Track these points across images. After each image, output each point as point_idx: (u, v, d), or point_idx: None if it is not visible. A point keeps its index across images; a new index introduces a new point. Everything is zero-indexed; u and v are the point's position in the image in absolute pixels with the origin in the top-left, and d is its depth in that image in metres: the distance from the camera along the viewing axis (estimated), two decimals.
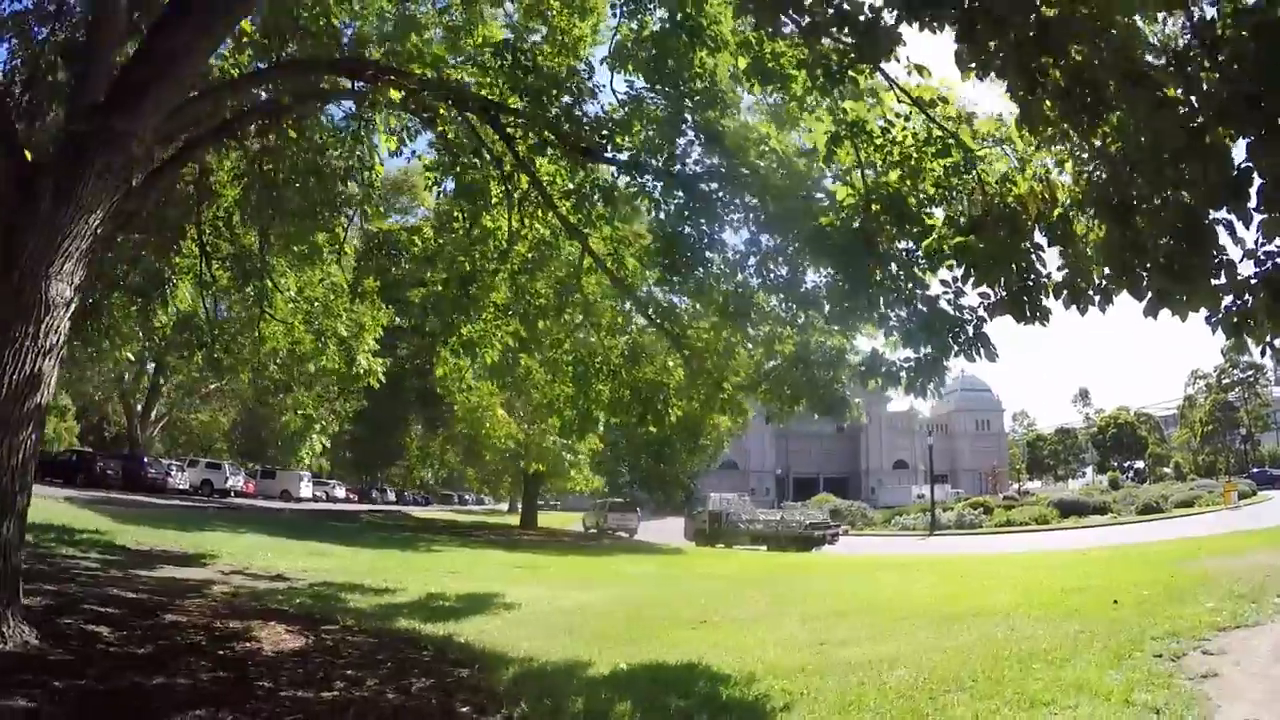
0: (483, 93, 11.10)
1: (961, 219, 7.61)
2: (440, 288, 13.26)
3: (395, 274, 19.20)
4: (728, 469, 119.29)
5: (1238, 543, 20.29)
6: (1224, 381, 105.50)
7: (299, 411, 26.93)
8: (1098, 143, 5.69)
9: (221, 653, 7.83)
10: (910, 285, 8.33)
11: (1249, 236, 5.35)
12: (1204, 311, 5.61)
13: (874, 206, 8.18)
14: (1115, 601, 11.83)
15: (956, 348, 8.04)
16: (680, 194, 10.06)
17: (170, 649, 7.73)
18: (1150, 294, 5.53)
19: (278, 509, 44.96)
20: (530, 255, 13.01)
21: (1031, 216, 6.85)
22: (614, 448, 39.50)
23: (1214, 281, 5.38)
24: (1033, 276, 7.08)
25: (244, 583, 13.53)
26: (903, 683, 7.84)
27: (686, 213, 10.11)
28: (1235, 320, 5.52)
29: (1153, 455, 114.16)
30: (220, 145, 13.05)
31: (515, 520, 50.75)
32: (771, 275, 9.70)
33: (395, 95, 11.08)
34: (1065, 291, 6.65)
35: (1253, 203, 5.04)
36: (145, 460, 45.98)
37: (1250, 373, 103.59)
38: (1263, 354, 5.67)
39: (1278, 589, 11.64)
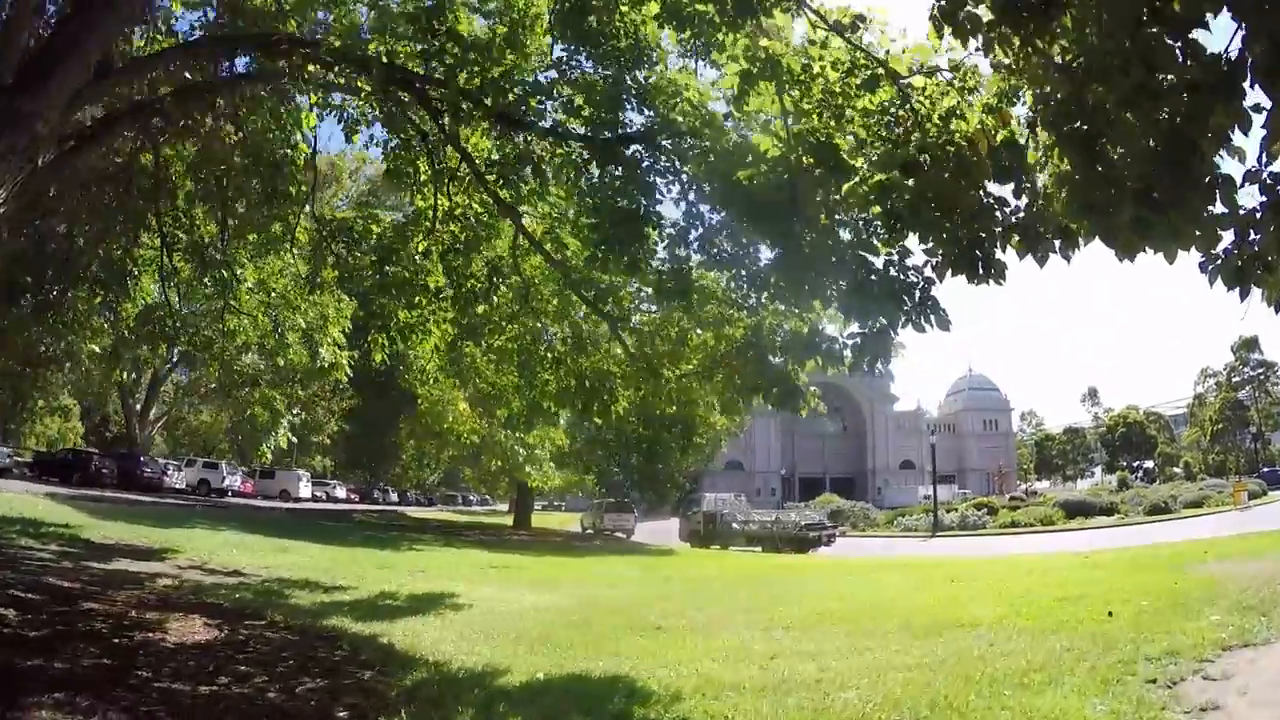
0: (406, 64, 10.13)
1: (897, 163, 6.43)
2: (368, 271, 12.46)
3: (354, 264, 18.34)
4: (733, 469, 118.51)
5: (1247, 545, 19.04)
6: (1234, 380, 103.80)
7: (266, 405, 26.32)
8: (1052, 53, 4.55)
9: (118, 641, 7.79)
10: (849, 247, 7.21)
11: (1250, 149, 4.21)
12: (1197, 256, 4.46)
13: (801, 157, 7.10)
14: (1110, 613, 10.70)
15: (903, 316, 6.93)
16: (608, 161, 9.00)
17: (66, 635, 7.72)
18: (1124, 231, 4.36)
19: (270, 508, 44.46)
20: (463, 235, 12.22)
21: (981, 156, 5.68)
22: (605, 446, 38.49)
23: (1208, 210, 4.21)
24: (985, 226, 5.90)
25: (194, 577, 13.24)
26: (848, 708, 6.84)
27: (616, 182, 9.06)
28: (1239, 264, 4.36)
29: (1162, 455, 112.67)
30: (149, 128, 12.22)
31: (512, 521, 49.94)
32: (715, 250, 8.59)
33: (311, 70, 10.41)
34: (1019, 238, 5.49)
35: (1249, 100, 3.90)
36: (141, 459, 45.82)
37: (1261, 370, 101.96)
38: (1277, 310, 4.50)
39: None
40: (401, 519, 49.12)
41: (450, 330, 13.69)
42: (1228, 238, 4.43)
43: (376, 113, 11.32)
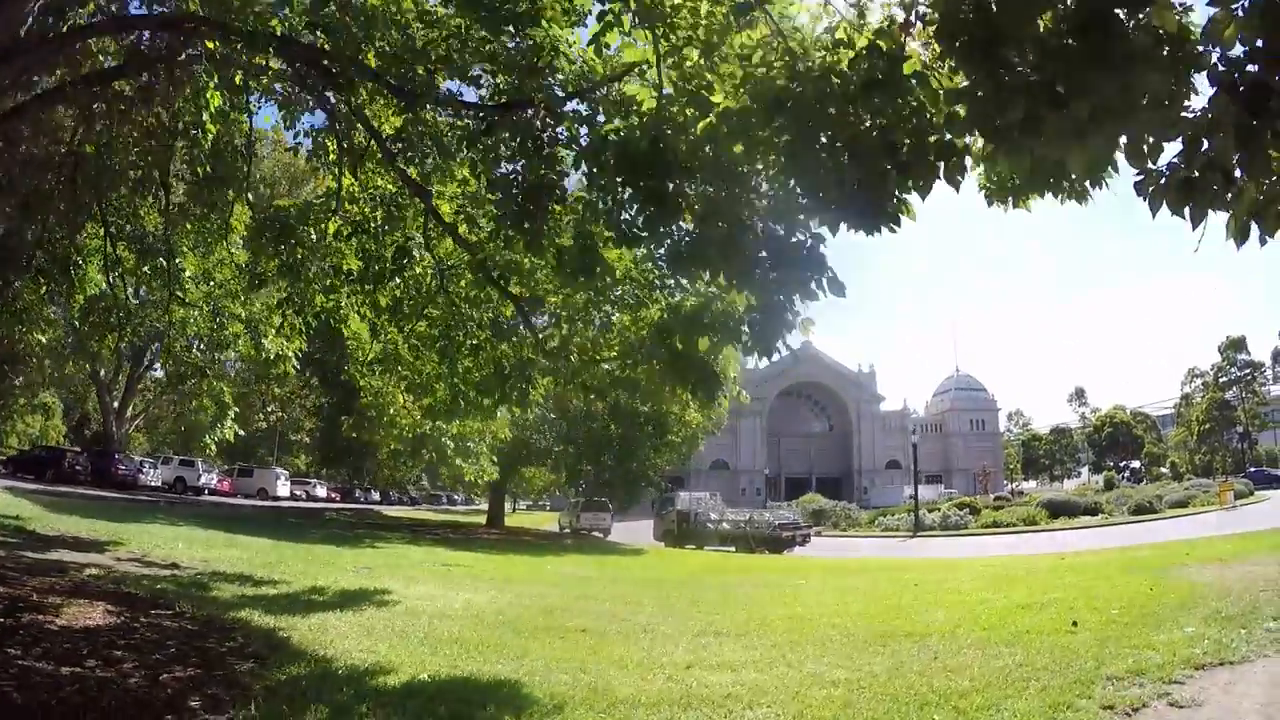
0: (307, 39, 9.39)
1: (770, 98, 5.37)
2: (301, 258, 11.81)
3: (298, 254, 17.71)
4: (718, 468, 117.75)
5: (1230, 548, 18.06)
6: (1221, 380, 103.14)
7: (214, 398, 25.53)
8: None
9: (3, 621, 7.69)
10: (727, 204, 6.15)
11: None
12: (1132, 172, 3.37)
13: (674, 107, 6.10)
14: (1075, 623, 9.68)
15: (793, 286, 5.91)
16: (503, 130, 8.01)
17: None
18: (1013, 133, 3.28)
19: (241, 505, 43.63)
20: (374, 215, 11.57)
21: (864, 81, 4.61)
22: (575, 444, 37.44)
23: (1145, 101, 3.11)
24: (876, 164, 4.83)
25: (126, 568, 12.92)
26: None
27: (513, 152, 8.08)
28: (1187, 178, 3.25)
29: (1149, 455, 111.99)
30: (90, 114, 11.96)
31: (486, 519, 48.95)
32: (625, 224, 7.53)
33: (211, 47, 9.71)
34: (910, 169, 4.43)
35: None
36: (116, 456, 44.98)
37: (1248, 371, 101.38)
38: (1242, 240, 3.38)
39: (1273, 610, 9.41)
40: (375, 517, 48.35)
41: (369, 314, 12.95)
42: (1167, 154, 3.35)
43: (287, 93, 10.81)
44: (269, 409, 64.03)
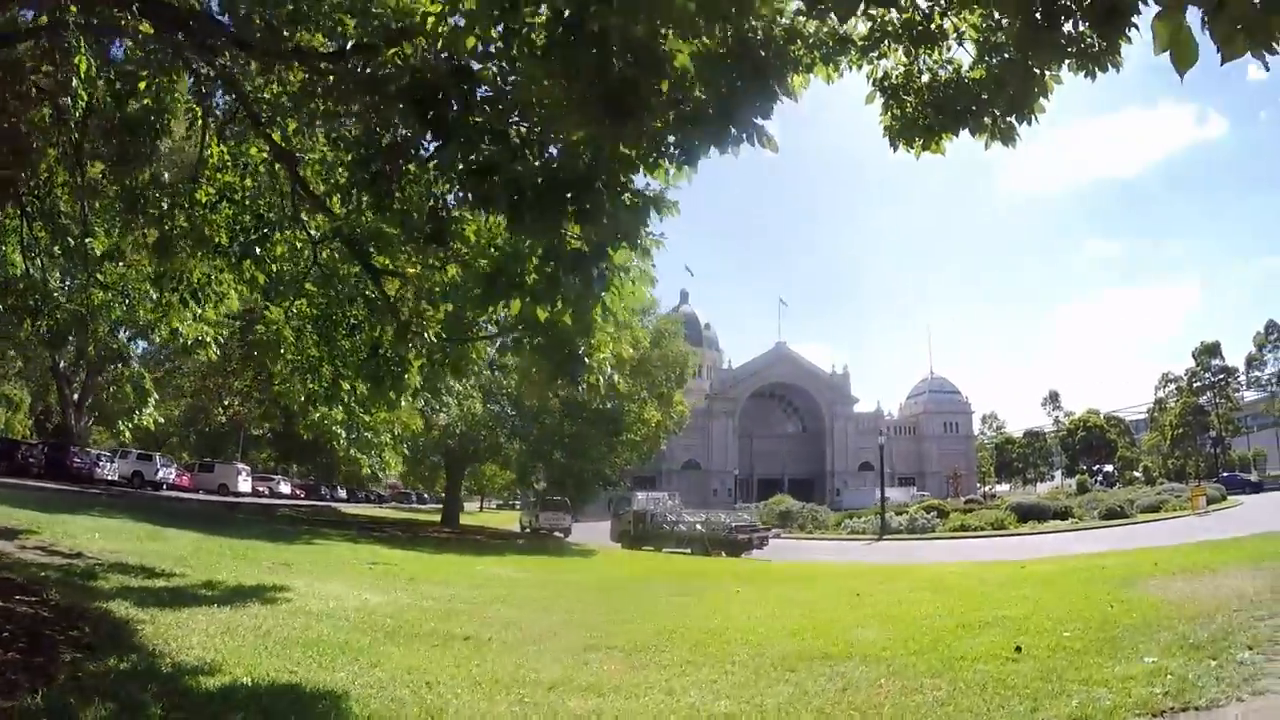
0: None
1: None
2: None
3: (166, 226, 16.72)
4: (690, 468, 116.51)
5: (1201, 558, 16.79)
6: (1195, 385, 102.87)
7: (135, 384, 24.48)
8: None
9: None
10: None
11: None
12: None
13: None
14: (1018, 649, 8.27)
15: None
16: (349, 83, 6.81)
17: None
18: None
19: (196, 501, 42.19)
20: (243, 184, 10.76)
21: None
22: (528, 441, 35.92)
23: None
24: None
25: (24, 556, 12.39)
26: None
27: (368, 112, 6.89)
28: None
29: (1122, 458, 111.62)
30: None
31: (475, 518, 47.95)
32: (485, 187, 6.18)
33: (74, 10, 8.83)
34: None
35: None
36: (72, 449, 43.95)
37: (1221, 376, 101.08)
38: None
39: (1247, 635, 8.03)
40: (331, 515, 46.68)
41: (244, 291, 12.21)
42: None
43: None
44: (225, 403, 62.23)
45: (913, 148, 6.41)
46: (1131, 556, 19.20)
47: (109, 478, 45.00)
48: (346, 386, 11.38)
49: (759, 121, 4.92)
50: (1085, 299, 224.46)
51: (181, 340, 18.80)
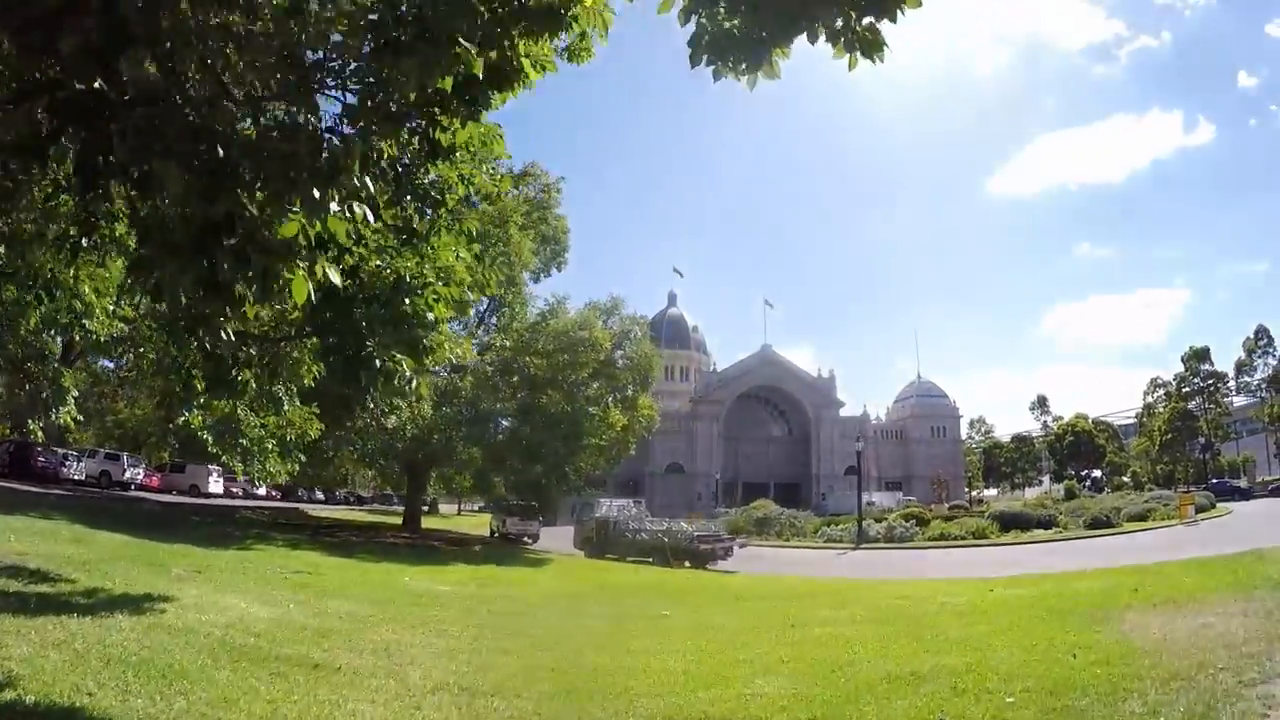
0: None
1: None
2: None
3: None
4: (674, 472, 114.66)
5: (1187, 580, 15.10)
6: (1184, 390, 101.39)
7: (53, 380, 23.35)
8: None
9: None
10: None
11: None
12: None
13: None
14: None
15: None
16: None
17: None
18: None
19: (155, 501, 40.95)
20: None
21: None
22: (482, 445, 34.04)
23: None
24: None
25: None
26: None
27: None
28: None
29: (1110, 464, 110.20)
30: None
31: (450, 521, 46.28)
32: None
33: None
34: None
35: None
36: (38, 449, 42.55)
37: (1211, 381, 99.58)
38: None
39: (1233, 709, 6.23)
40: (295, 517, 45.43)
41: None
42: None
43: None
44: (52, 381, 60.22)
45: (734, 71, 4.67)
46: (1111, 577, 17.46)
47: (75, 477, 44.19)
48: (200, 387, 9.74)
49: None
50: (1074, 304, 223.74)
51: (95, 337, 17.42)
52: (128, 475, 48.57)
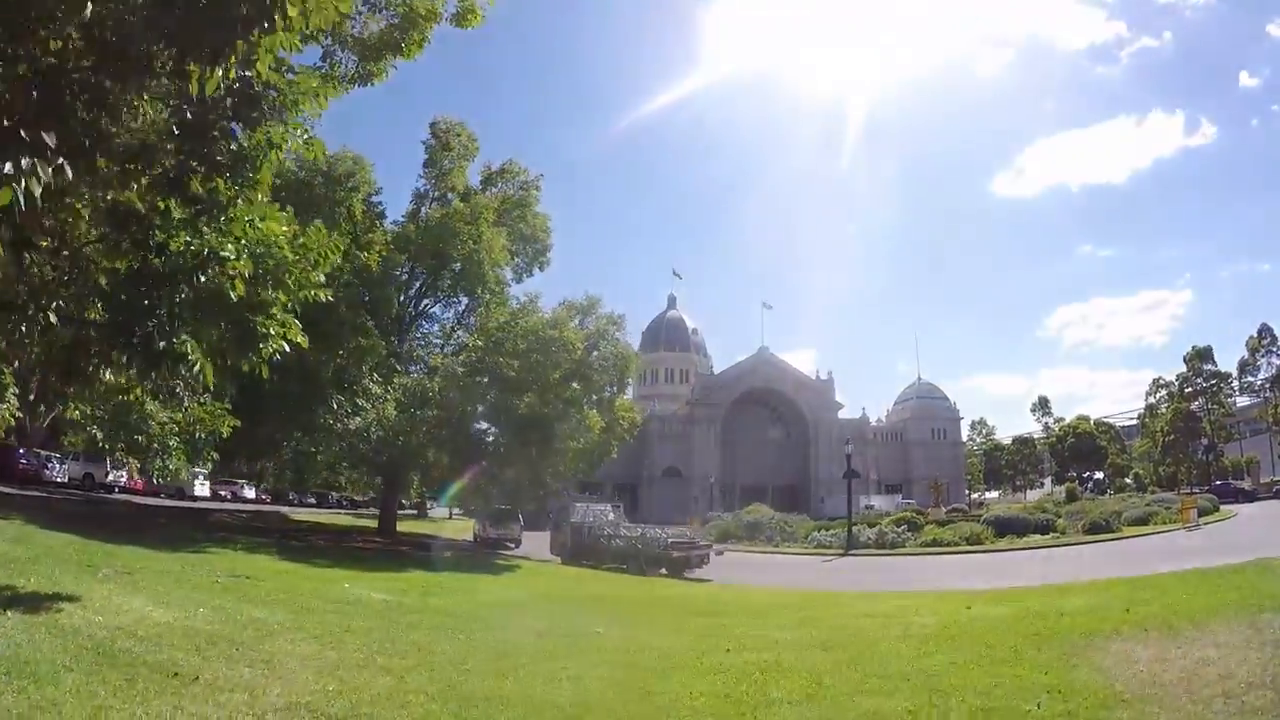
0: None
1: None
2: None
3: None
4: (671, 475, 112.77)
5: (1185, 598, 13.40)
6: (1186, 390, 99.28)
7: None
8: None
9: None
10: None
11: None
12: None
13: None
14: None
15: None
16: None
17: None
18: None
19: (130, 502, 41.27)
20: None
21: None
22: (444, 447, 32.33)
23: None
24: None
25: None
26: None
27: None
28: None
29: (1113, 465, 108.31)
30: None
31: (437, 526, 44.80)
32: None
33: None
34: None
35: None
36: (20, 452, 42.70)
37: (1214, 382, 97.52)
38: None
39: None
40: (272, 521, 43.74)
41: None
42: None
43: None
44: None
45: None
46: (1103, 592, 15.79)
47: (58, 479, 43.88)
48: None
49: None
50: (1076, 305, 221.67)
51: None
52: (110, 478, 47.96)
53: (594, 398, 34.45)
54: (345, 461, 34.70)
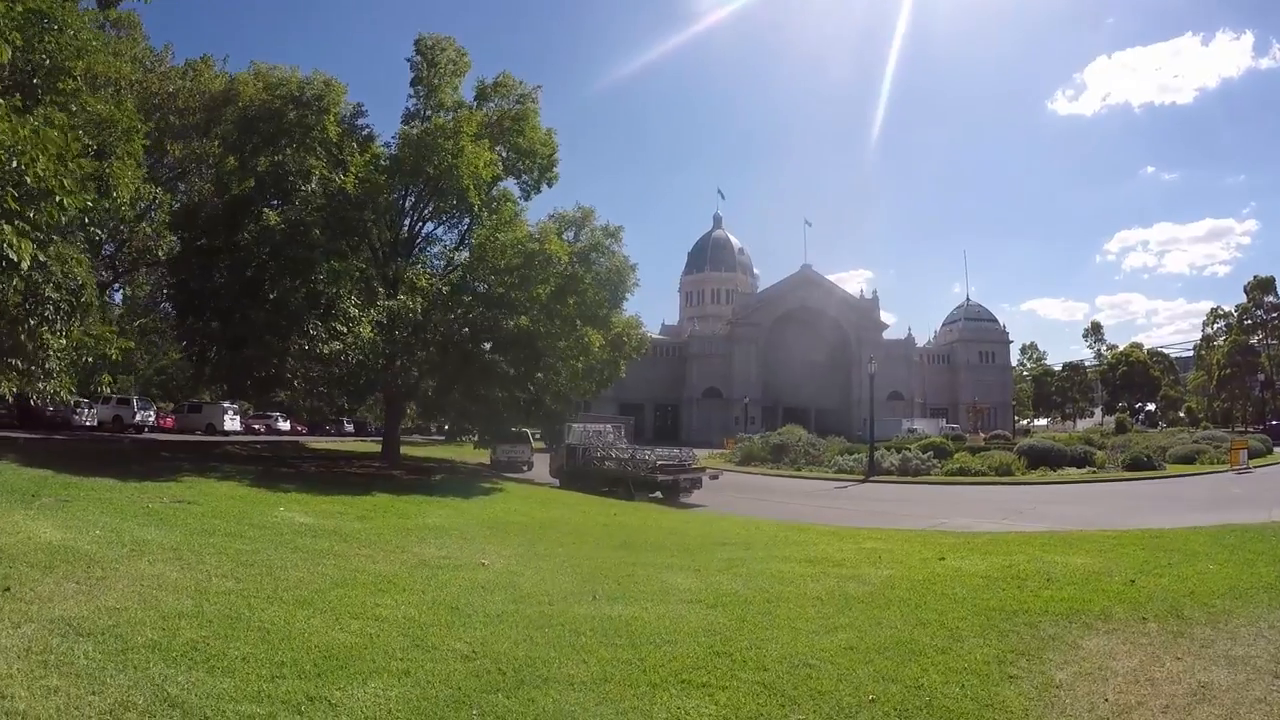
0: None
1: None
2: None
3: None
4: (711, 396, 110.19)
5: (1208, 575, 10.42)
6: (1245, 322, 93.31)
7: None
8: None
9: None
10: None
11: None
12: None
13: None
14: None
15: None
16: None
17: None
18: None
19: (147, 440, 40.56)
20: None
21: None
22: (422, 368, 30.08)
23: None
24: None
25: None
26: None
27: None
28: None
29: (1165, 398, 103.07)
30: None
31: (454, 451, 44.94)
32: None
33: None
34: None
35: None
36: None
37: (1275, 315, 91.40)
38: None
39: None
40: (284, 451, 41.84)
41: None
42: None
43: None
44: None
45: None
46: (1113, 549, 12.89)
47: (87, 424, 45.49)
48: None
49: None
50: (1136, 229, 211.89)
51: None
52: (139, 418, 49.27)
53: (586, 315, 31.78)
54: (323, 386, 32.71)
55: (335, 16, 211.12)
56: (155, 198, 38.36)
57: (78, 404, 45.50)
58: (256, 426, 61.49)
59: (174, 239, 34.50)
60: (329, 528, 14.51)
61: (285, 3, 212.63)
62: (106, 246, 43.70)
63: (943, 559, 12.35)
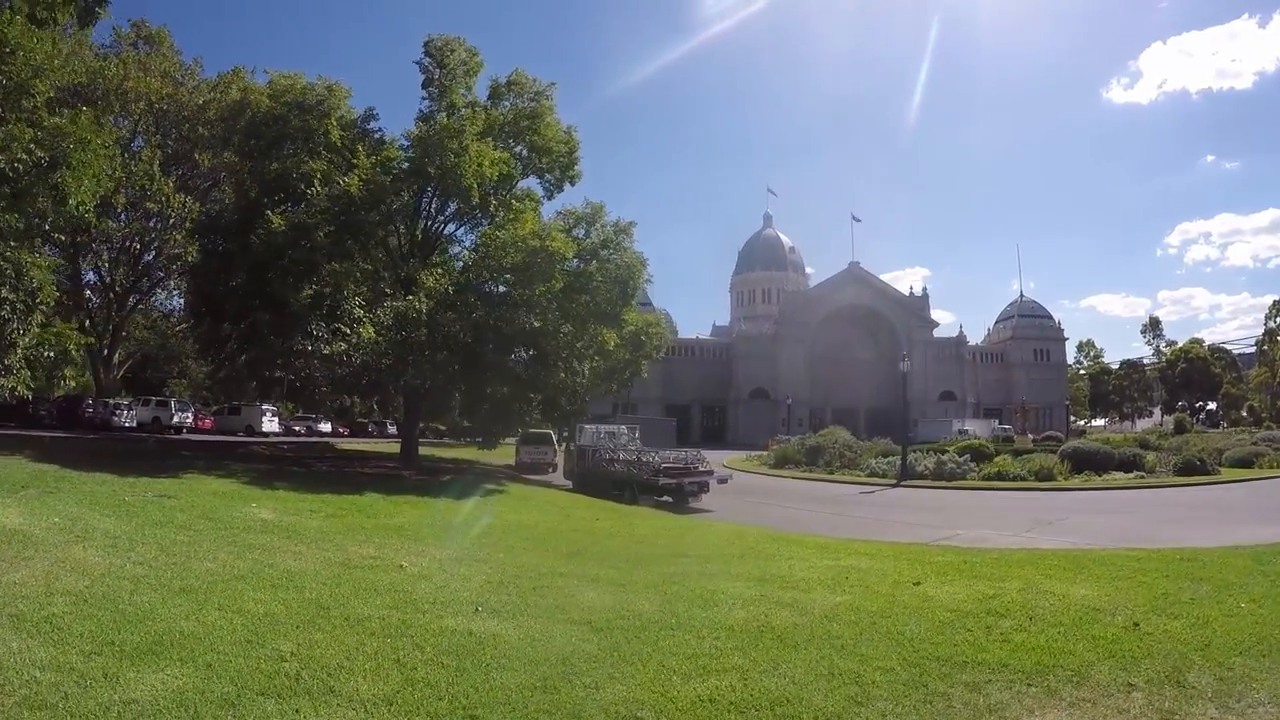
0: None
1: None
2: None
3: None
4: (758, 397, 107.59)
5: (1234, 627, 8.10)
6: None
7: None
8: None
9: None
10: None
11: None
12: None
13: None
14: None
15: None
16: None
17: None
18: None
19: (164, 440, 39.26)
20: None
21: None
22: (430, 369, 28.78)
23: None
24: None
25: None
26: None
27: None
28: None
29: (1226, 396, 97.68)
30: None
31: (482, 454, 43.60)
32: None
33: None
34: None
35: None
36: (85, 401, 46.48)
37: None
38: None
39: None
40: (311, 451, 41.00)
41: None
42: None
43: None
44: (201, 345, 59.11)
45: None
46: (1128, 579, 10.59)
47: (126, 425, 45.42)
48: None
49: None
50: (1197, 221, 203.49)
51: None
52: (177, 419, 49.51)
53: (603, 312, 30.16)
54: (326, 386, 31.81)
55: (356, 23, 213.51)
56: (185, 206, 38.32)
57: (117, 406, 46.31)
58: (297, 428, 61.21)
59: (196, 246, 34.43)
60: (284, 524, 14.00)
61: (313, 9, 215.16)
62: (146, 255, 44.04)
63: (918, 584, 10.23)
